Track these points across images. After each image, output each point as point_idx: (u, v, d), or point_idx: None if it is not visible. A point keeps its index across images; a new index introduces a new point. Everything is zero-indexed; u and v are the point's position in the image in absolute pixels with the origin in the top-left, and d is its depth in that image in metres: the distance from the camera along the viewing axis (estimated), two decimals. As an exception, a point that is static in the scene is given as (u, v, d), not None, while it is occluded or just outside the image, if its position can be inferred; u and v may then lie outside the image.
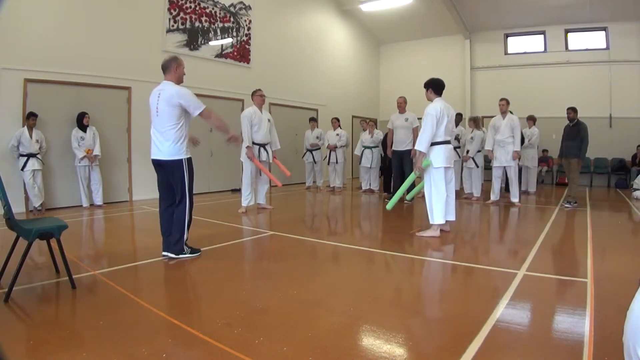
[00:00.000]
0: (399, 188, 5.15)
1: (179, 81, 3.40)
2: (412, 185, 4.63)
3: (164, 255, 3.44)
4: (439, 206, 4.21)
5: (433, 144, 4.22)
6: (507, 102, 6.65)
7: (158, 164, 3.38)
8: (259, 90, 5.82)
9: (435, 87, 4.38)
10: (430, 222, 4.30)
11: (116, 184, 7.02)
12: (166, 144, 3.28)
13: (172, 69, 3.36)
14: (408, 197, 4.97)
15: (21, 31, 5.73)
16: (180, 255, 3.39)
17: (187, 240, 3.44)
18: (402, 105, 6.94)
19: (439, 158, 4.21)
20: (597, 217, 5.77)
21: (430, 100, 4.41)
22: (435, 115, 4.16)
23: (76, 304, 2.52)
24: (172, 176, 3.34)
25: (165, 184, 3.43)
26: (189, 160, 3.39)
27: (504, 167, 6.64)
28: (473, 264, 3.46)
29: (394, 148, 6.97)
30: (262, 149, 5.86)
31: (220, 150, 8.62)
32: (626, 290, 1.49)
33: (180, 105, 3.25)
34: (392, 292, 2.84)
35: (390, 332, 2.07)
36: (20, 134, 5.67)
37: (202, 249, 3.64)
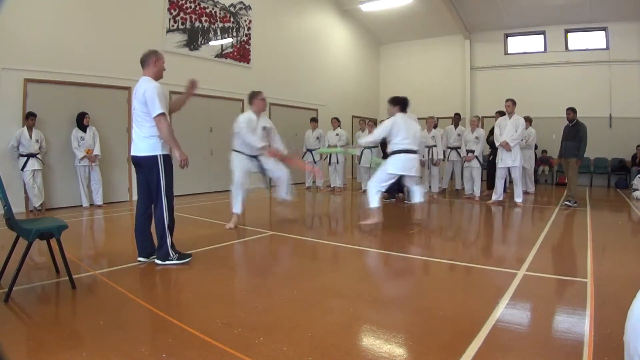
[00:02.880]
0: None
1: (157, 76, 3.22)
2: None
3: (139, 261, 3.27)
4: (373, 193, 4.78)
5: (392, 152, 4.76)
6: (514, 103, 6.60)
7: (135, 162, 3.25)
8: (260, 93, 4.90)
9: (402, 104, 4.90)
10: (370, 206, 4.75)
11: (116, 184, 7.02)
12: (142, 140, 3.14)
13: (150, 62, 3.21)
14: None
15: (21, 31, 5.72)
16: (167, 262, 3.14)
17: (171, 244, 3.19)
18: None
19: (395, 165, 4.73)
20: (597, 217, 5.77)
21: (392, 114, 4.91)
22: (385, 128, 4.75)
23: (76, 304, 2.52)
24: (148, 174, 3.18)
25: (143, 184, 3.27)
26: (166, 157, 3.19)
27: (508, 167, 6.64)
28: (473, 264, 3.45)
29: None
30: (252, 159, 4.84)
31: (221, 150, 8.60)
32: (626, 290, 1.49)
33: (145, 101, 3.06)
34: (392, 292, 2.84)
35: (390, 332, 2.07)
36: (20, 134, 5.67)
37: (202, 249, 3.63)
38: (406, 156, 4.70)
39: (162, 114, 3.08)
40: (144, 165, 3.18)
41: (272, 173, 5.03)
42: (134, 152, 3.22)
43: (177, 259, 3.19)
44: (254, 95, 4.87)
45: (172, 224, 3.22)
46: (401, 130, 4.68)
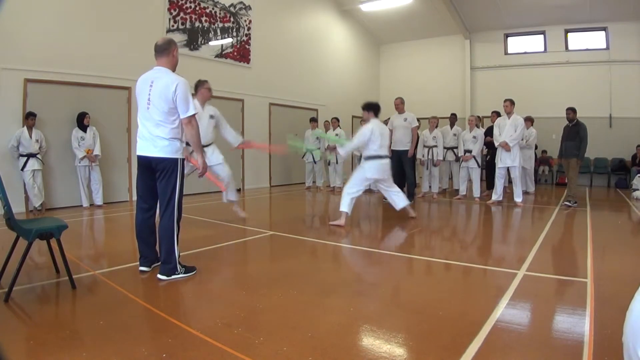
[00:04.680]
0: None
1: (174, 68, 2.94)
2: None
3: (141, 271, 3.02)
4: (348, 200, 4.91)
5: (369, 157, 4.94)
6: (512, 103, 6.62)
7: (146, 162, 2.89)
8: (206, 82, 4.83)
9: (376, 110, 5.06)
10: (340, 209, 4.89)
11: (116, 184, 7.02)
12: (161, 139, 2.82)
13: (171, 52, 2.89)
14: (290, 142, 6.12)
15: (21, 31, 5.72)
16: (173, 276, 2.88)
17: (179, 257, 2.93)
18: (399, 107, 6.94)
19: (372, 170, 4.92)
20: (597, 217, 5.76)
21: (367, 120, 5.05)
22: (365, 135, 4.89)
23: (76, 304, 2.52)
24: (163, 178, 2.87)
25: (149, 187, 2.96)
26: (184, 162, 2.98)
27: (508, 167, 6.64)
28: (473, 264, 3.46)
29: (392, 148, 6.96)
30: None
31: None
32: (626, 290, 1.49)
33: (174, 100, 2.78)
34: (392, 292, 2.84)
35: (390, 332, 2.07)
36: (20, 134, 5.67)
37: (202, 249, 3.62)
38: (382, 161, 4.97)
39: (194, 115, 2.87)
40: (160, 168, 2.87)
41: (214, 171, 4.87)
42: (147, 152, 2.86)
43: (183, 273, 2.94)
44: (199, 84, 4.80)
45: (179, 233, 2.97)
46: (378, 137, 4.89)
